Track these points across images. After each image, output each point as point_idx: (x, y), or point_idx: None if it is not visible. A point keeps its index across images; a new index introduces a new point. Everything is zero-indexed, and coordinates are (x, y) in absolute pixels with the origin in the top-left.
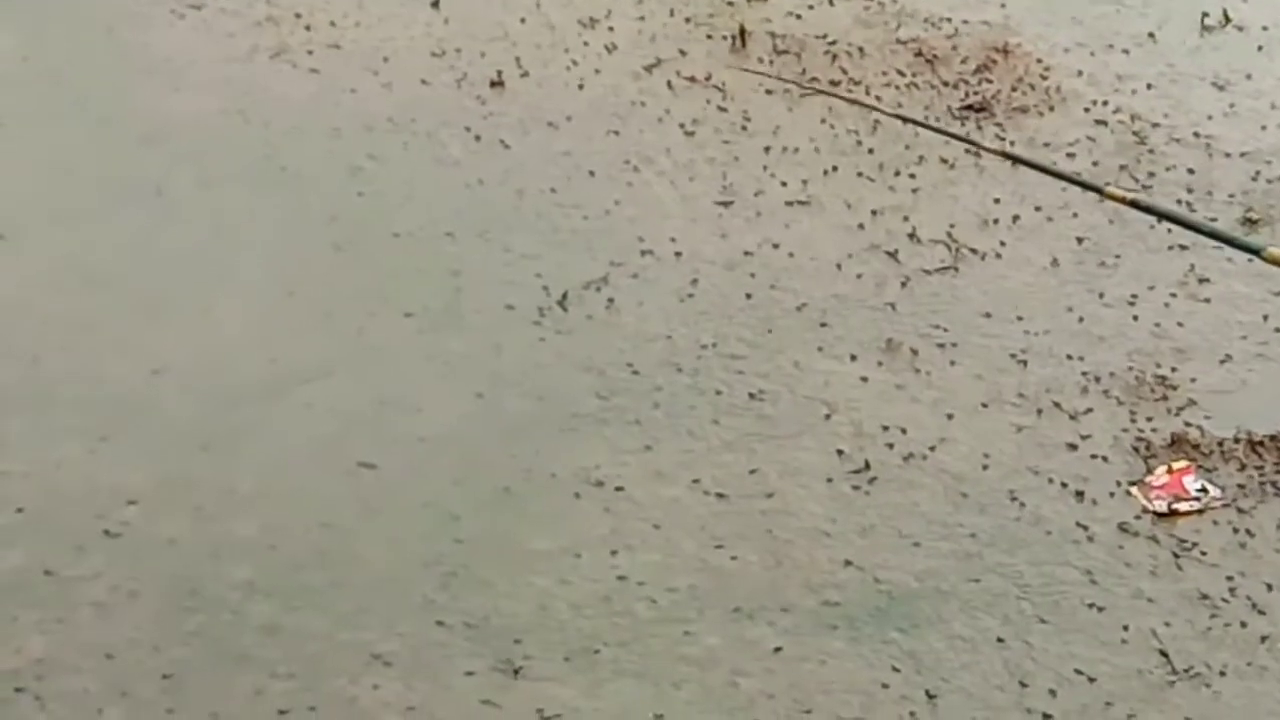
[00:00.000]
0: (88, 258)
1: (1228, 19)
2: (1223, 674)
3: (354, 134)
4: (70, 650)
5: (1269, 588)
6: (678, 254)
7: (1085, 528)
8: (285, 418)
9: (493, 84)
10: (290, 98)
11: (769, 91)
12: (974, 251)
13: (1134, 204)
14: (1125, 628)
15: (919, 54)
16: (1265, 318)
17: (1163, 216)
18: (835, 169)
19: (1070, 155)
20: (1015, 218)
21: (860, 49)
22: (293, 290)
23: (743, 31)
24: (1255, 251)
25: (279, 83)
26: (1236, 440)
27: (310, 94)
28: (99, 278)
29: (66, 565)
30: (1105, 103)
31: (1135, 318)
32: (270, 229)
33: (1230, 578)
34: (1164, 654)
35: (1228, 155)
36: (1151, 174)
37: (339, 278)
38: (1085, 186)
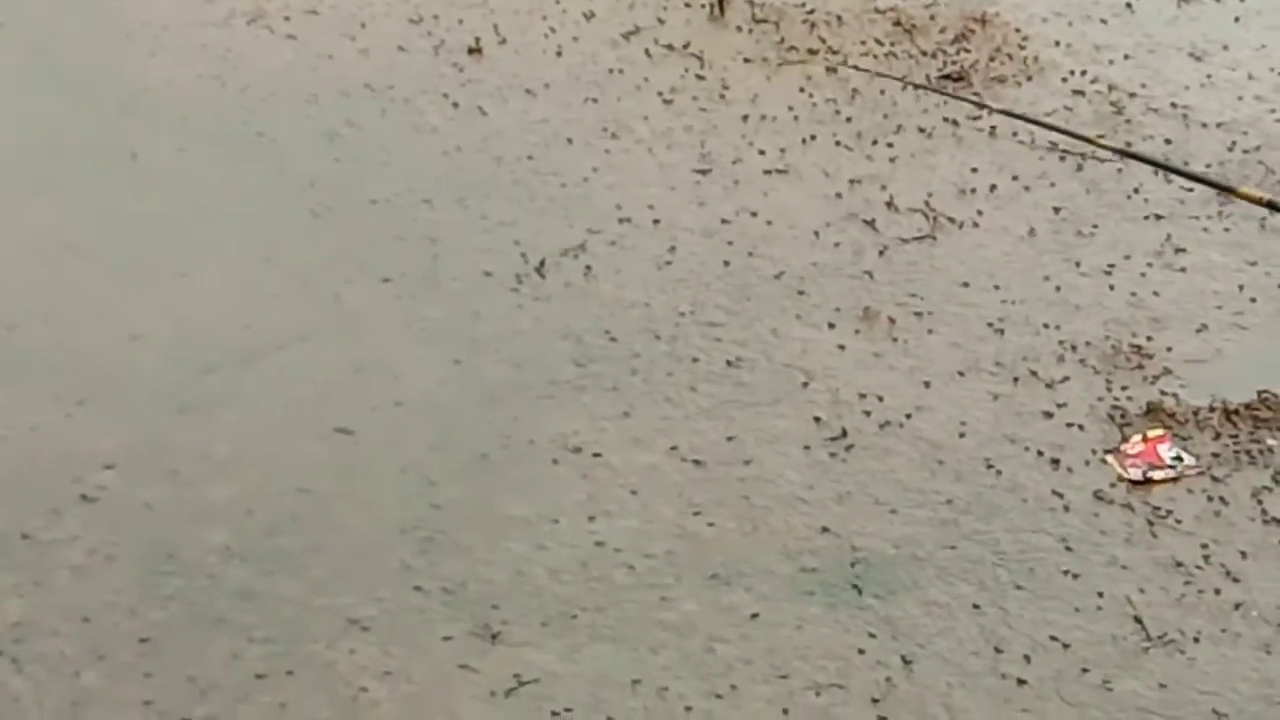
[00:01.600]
0: (63, 224)
1: None
2: (1196, 640)
3: (331, 100)
4: (47, 614)
5: (1243, 555)
6: (655, 222)
7: (1061, 495)
8: (262, 383)
9: (470, 51)
10: (267, 64)
11: (747, 60)
12: (951, 220)
13: (1271, 205)
14: (1100, 594)
15: (897, 23)
16: (1240, 287)
17: None
18: (813, 138)
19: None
20: (993, 187)
21: (838, 18)
22: (269, 256)
23: (721, 0)
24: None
25: (256, 49)
26: (1212, 409)
27: (287, 60)
28: (75, 244)
29: (43, 529)
30: (1083, 72)
31: (1111, 287)
32: (247, 195)
33: (1204, 545)
34: (1138, 620)
35: (1204, 125)
36: (1129, 143)
37: (316, 244)
38: (1217, 186)
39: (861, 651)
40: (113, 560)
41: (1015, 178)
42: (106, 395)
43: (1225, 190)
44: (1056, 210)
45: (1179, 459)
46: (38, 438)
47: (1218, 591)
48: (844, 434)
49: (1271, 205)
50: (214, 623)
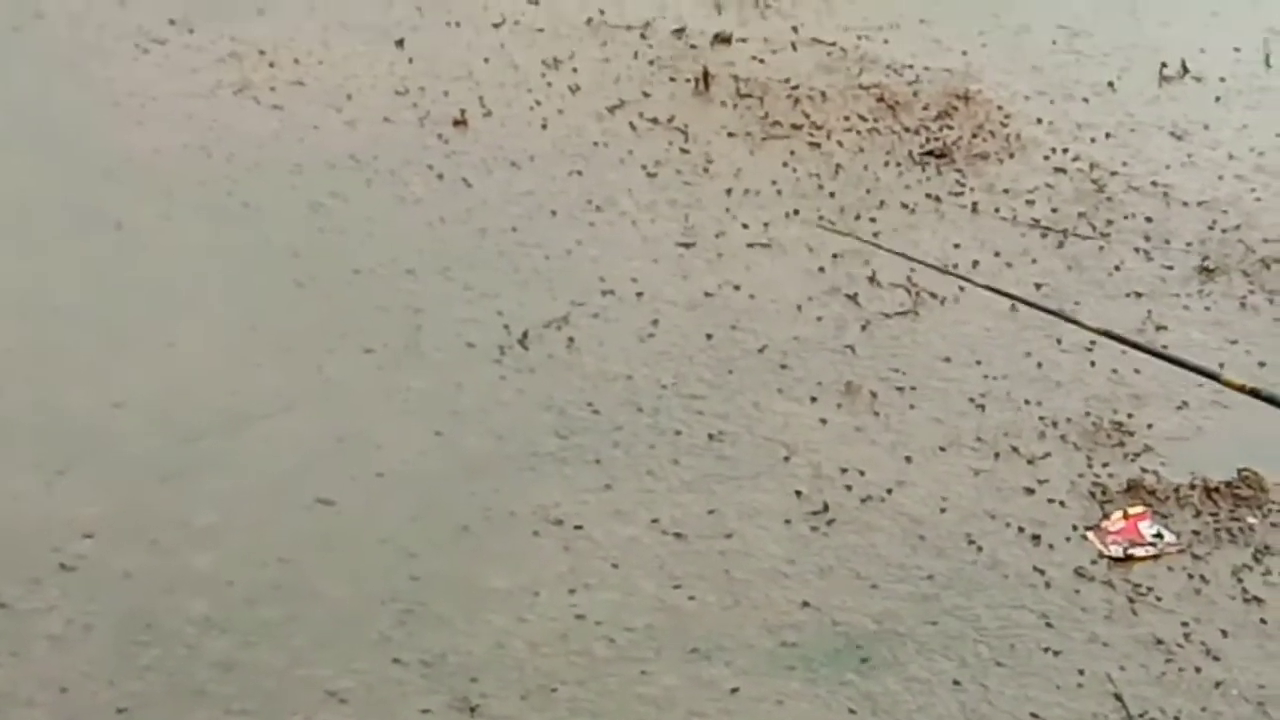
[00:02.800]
0: (49, 290)
1: (1186, 70)
2: (1177, 719)
3: (316, 171)
4: (24, 683)
5: (1224, 634)
6: (639, 294)
7: (1042, 572)
8: (244, 452)
9: (456, 123)
10: (253, 133)
11: (731, 134)
12: (934, 296)
13: (1254, 393)
14: (1080, 672)
15: (880, 99)
16: (1221, 365)
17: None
18: (797, 212)
19: (1029, 202)
20: (975, 263)
21: (822, 93)
22: (253, 325)
23: (706, 74)
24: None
25: (242, 118)
26: (1192, 486)
27: (273, 130)
28: (60, 310)
29: (21, 598)
30: (1065, 150)
31: (1093, 364)
32: (231, 264)
33: (1185, 623)
34: (1119, 698)
35: (1185, 204)
36: (1110, 221)
37: (299, 313)
38: (1202, 373)
39: None
40: (90, 630)
41: (997, 254)
42: (88, 462)
43: (1209, 376)
44: (1038, 286)
45: (1160, 536)
46: (17, 505)
47: (1198, 670)
48: (825, 508)
49: (1255, 394)
50: (192, 694)
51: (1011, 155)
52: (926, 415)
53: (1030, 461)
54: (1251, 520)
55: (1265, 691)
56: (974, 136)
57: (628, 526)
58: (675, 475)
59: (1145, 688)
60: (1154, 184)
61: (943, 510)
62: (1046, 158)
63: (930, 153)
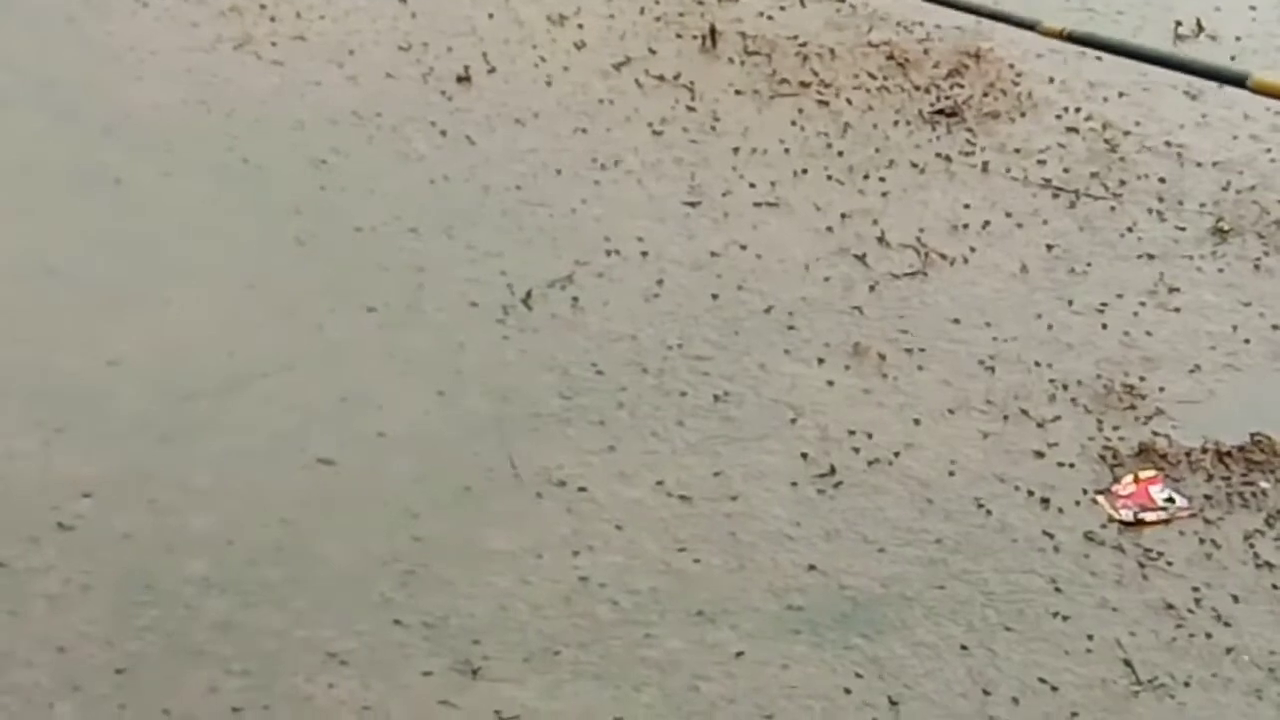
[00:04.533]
0: (45, 247)
1: (1201, 28)
2: (1187, 685)
3: (318, 127)
4: (22, 644)
5: (1235, 599)
6: (644, 254)
7: (1051, 536)
8: (244, 412)
9: (459, 79)
10: (254, 89)
11: (738, 92)
12: (943, 257)
13: (1069, 37)
14: (1090, 637)
15: (890, 57)
16: (1234, 328)
17: (1102, 48)
18: (805, 171)
19: (1041, 162)
20: (985, 223)
21: (831, 50)
22: (253, 284)
23: (713, 31)
24: (1240, 81)
25: (242, 74)
26: (1204, 450)
27: (274, 86)
28: (56, 268)
29: (19, 558)
30: (1077, 109)
31: (1104, 326)
32: (231, 221)
33: (1196, 588)
34: (1128, 664)
35: (1199, 164)
36: (1123, 181)
37: (300, 272)
38: (1020, 24)
39: (848, 691)
40: (89, 590)
41: (1008, 214)
42: (86, 422)
43: (1026, 27)
44: (1049, 248)
45: (1171, 501)
46: (15, 465)
47: (1209, 635)
48: (832, 471)
49: (1070, 38)
50: (191, 655)
51: (1023, 114)
52: (935, 377)
53: (1040, 424)
54: (1264, 485)
55: (1276, 658)
56: (985, 95)
57: (632, 488)
58: (680, 437)
59: (1155, 653)
60: (1167, 144)
61: (951, 473)
62: (1059, 117)
63: (941, 111)
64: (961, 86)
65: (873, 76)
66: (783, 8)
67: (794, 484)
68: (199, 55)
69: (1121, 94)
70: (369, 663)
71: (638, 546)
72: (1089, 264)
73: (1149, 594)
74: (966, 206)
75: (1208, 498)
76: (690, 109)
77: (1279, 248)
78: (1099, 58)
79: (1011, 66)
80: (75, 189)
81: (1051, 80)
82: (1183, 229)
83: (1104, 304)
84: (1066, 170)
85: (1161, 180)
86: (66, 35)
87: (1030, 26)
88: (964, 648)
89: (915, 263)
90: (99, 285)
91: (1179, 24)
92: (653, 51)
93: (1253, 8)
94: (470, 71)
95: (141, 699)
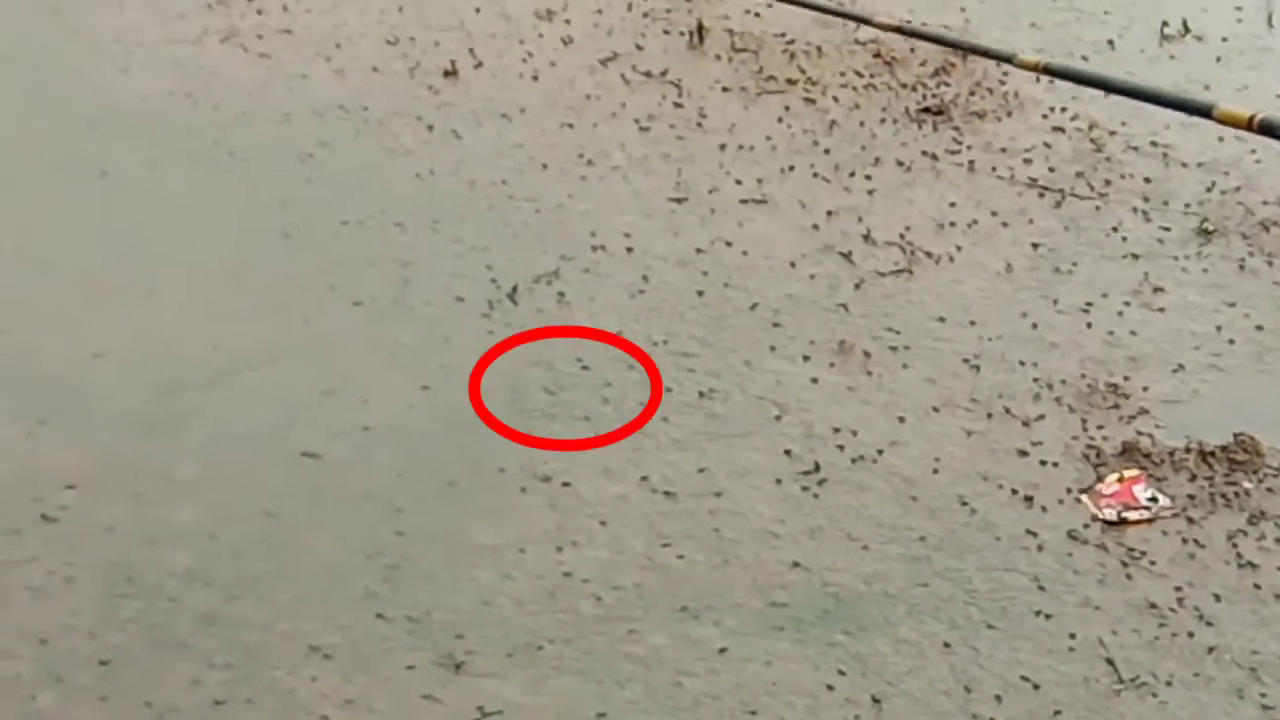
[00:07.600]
0: (31, 239)
1: (1187, 29)
2: (1169, 684)
3: (304, 120)
4: (4, 635)
5: (1217, 598)
6: (630, 250)
7: (1034, 534)
8: (228, 404)
9: (446, 73)
10: (240, 82)
11: (725, 89)
12: (929, 255)
13: (1046, 70)
14: (1072, 635)
15: (877, 55)
16: (1218, 328)
17: (1079, 81)
18: (791, 168)
19: (1027, 161)
20: (971, 222)
21: (818, 48)
22: (240, 276)
23: (701, 27)
24: (1206, 112)
25: (229, 66)
26: (1188, 450)
27: (261, 79)
28: (42, 259)
29: (1, 549)
30: (1063, 109)
31: (1089, 325)
32: (218, 214)
33: (1179, 588)
34: (1110, 663)
35: (1184, 165)
36: (1108, 181)
37: (287, 265)
38: (998, 58)
39: (831, 688)
40: (72, 582)
41: (994, 213)
42: (70, 414)
43: (1003, 59)
44: (1035, 247)
45: (1154, 500)
46: None
47: (1191, 635)
48: (817, 468)
49: (1046, 70)
50: (174, 647)
51: (1009, 113)
52: (920, 375)
53: (1024, 423)
54: (1247, 485)
55: (1258, 657)
56: (971, 94)
57: (616, 484)
58: (665, 433)
59: (1137, 652)
60: (1153, 144)
61: (935, 471)
62: (1045, 116)
63: (927, 110)
64: (948, 85)
65: (859, 74)
66: (770, 4)
67: (778, 481)
68: (185, 47)
69: (1107, 94)
70: (352, 656)
71: (622, 542)
72: (1074, 263)
73: (1132, 593)
74: (952, 205)
75: (1191, 497)
76: (677, 105)
77: (1263, 248)
78: (1085, 57)
79: (998, 65)
80: (60, 180)
81: (1038, 79)
82: (1168, 229)
83: (1089, 303)
84: (1052, 170)
85: (1147, 180)
86: (53, 27)
87: (1008, 59)
88: (947, 645)
89: (901, 261)
90: (84, 277)
91: (1165, 24)
92: (640, 48)
93: (1238, 8)
94: (457, 66)
95: (124, 691)
